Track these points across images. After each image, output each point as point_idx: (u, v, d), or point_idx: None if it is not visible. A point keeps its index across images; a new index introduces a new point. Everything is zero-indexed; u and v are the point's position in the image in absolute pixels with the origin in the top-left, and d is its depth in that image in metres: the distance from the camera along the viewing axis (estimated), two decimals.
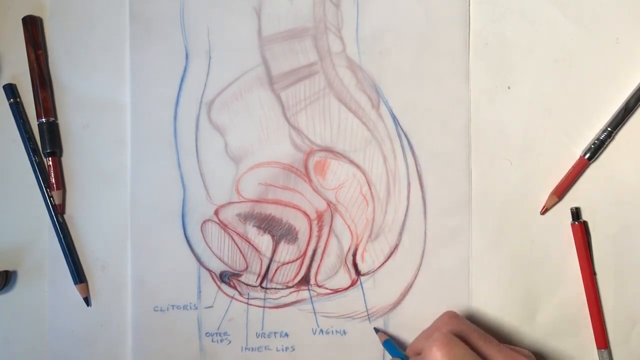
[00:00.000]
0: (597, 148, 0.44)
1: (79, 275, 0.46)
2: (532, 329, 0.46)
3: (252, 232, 0.46)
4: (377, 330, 0.46)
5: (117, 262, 0.47)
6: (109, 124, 0.47)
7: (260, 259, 0.46)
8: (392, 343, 0.44)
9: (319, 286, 0.46)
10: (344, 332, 0.46)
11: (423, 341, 0.41)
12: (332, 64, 0.46)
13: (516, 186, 0.46)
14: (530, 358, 0.41)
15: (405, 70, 0.46)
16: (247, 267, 0.46)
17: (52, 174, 0.46)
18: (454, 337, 0.38)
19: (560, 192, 0.45)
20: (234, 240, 0.46)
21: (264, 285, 0.46)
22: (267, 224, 0.46)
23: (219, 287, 0.46)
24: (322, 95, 0.46)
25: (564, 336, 0.46)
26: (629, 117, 0.45)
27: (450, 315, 0.42)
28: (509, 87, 0.46)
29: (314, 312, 0.46)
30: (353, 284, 0.46)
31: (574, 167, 0.45)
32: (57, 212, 0.46)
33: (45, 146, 0.46)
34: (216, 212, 0.46)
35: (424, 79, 0.46)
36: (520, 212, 0.46)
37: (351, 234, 0.46)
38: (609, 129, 0.44)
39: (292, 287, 0.46)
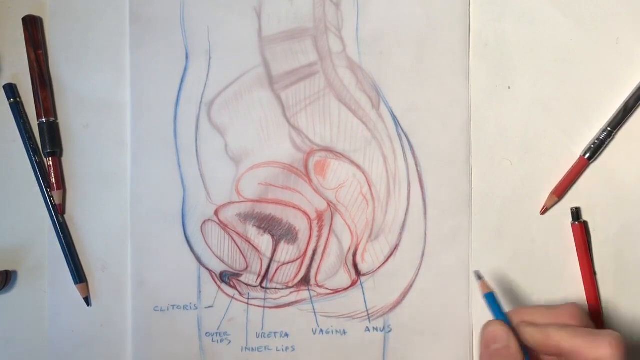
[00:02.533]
0: (597, 148, 0.44)
1: (79, 275, 0.46)
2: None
3: (252, 232, 0.46)
4: (478, 277, 0.40)
5: (117, 262, 0.47)
6: (109, 124, 0.47)
7: (260, 259, 0.46)
8: (495, 299, 0.39)
9: (319, 286, 0.46)
10: (344, 332, 0.46)
11: (549, 317, 0.38)
12: (332, 64, 0.46)
13: (516, 186, 0.46)
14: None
15: (405, 70, 0.46)
16: (247, 267, 0.46)
17: (52, 174, 0.46)
18: (624, 347, 0.35)
19: (560, 192, 0.45)
20: (234, 240, 0.46)
21: (264, 285, 0.46)
22: (267, 224, 0.46)
23: (219, 287, 0.46)
24: (322, 95, 0.46)
25: None
26: (628, 117, 0.45)
27: (580, 309, 0.38)
28: (509, 87, 0.46)
29: (314, 312, 0.46)
30: (353, 284, 0.46)
31: (573, 167, 0.45)
32: (57, 212, 0.46)
33: (46, 146, 0.46)
34: (216, 212, 0.46)
35: (424, 79, 0.46)
36: (520, 212, 0.46)
37: (351, 234, 0.46)
38: (608, 128, 0.44)
39: (292, 287, 0.46)
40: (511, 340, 0.36)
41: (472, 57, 0.46)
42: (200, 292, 0.46)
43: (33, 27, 0.47)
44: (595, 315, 0.45)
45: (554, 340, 0.36)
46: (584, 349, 0.35)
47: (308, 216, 0.46)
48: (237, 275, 0.46)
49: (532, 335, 0.36)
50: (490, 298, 0.39)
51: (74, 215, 0.47)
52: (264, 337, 0.46)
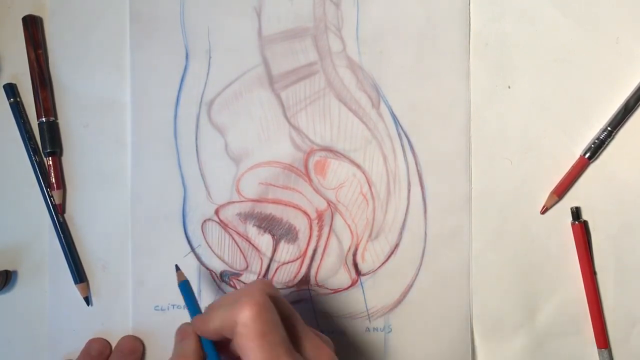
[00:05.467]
0: (597, 148, 0.44)
1: (79, 274, 0.46)
2: (532, 329, 0.46)
3: (252, 231, 0.46)
4: (177, 268, 0.42)
5: (117, 261, 0.47)
6: (109, 124, 0.47)
7: (261, 258, 0.46)
8: (189, 289, 0.40)
9: (319, 286, 0.46)
10: (344, 332, 0.46)
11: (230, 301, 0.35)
12: (332, 64, 0.46)
13: (516, 186, 0.46)
14: (329, 345, 0.38)
15: (405, 70, 0.46)
16: (247, 267, 0.46)
17: (52, 174, 0.46)
18: (269, 301, 0.33)
19: (560, 191, 0.45)
20: (235, 240, 0.46)
21: None
22: (268, 224, 0.46)
23: (219, 287, 0.46)
24: (322, 95, 0.46)
25: (564, 336, 0.46)
26: (629, 117, 0.45)
27: (266, 282, 0.37)
28: (509, 87, 0.46)
29: (314, 312, 0.46)
30: (353, 283, 0.46)
31: (574, 167, 0.45)
32: (57, 212, 0.46)
33: (46, 146, 0.46)
34: (217, 212, 0.46)
35: (424, 78, 0.46)
36: (520, 212, 0.46)
37: (351, 233, 0.46)
38: (609, 128, 0.44)
39: (292, 287, 0.46)
40: (190, 338, 0.36)
41: (472, 57, 0.46)
42: (200, 291, 0.46)
43: (33, 27, 0.47)
44: (595, 315, 0.45)
45: (211, 325, 0.34)
46: (229, 319, 0.33)
47: (308, 216, 0.46)
48: (237, 274, 0.46)
49: (199, 326, 0.35)
50: (184, 287, 0.40)
51: (74, 215, 0.47)
52: None
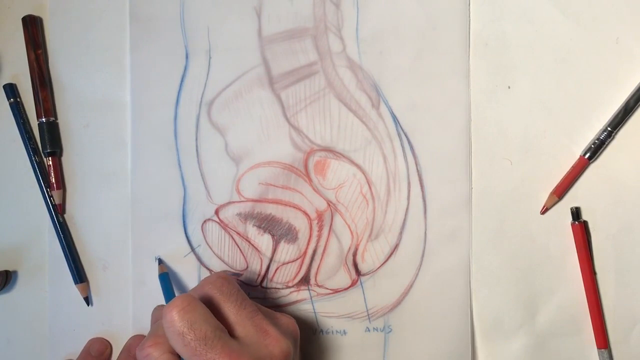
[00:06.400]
0: (597, 148, 0.44)
1: (79, 275, 0.46)
2: (532, 329, 0.46)
3: (252, 231, 0.46)
4: (160, 261, 0.46)
5: (117, 261, 0.47)
6: (109, 124, 0.47)
7: (261, 258, 0.46)
8: (168, 281, 0.43)
9: (319, 286, 0.46)
10: (344, 332, 0.46)
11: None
12: (332, 64, 0.46)
13: (516, 186, 0.46)
14: (288, 328, 0.40)
15: (405, 70, 0.46)
16: (247, 267, 0.46)
17: (52, 174, 0.46)
18: (195, 301, 0.36)
19: (560, 191, 0.45)
20: (235, 240, 0.46)
21: (264, 285, 0.46)
22: (267, 224, 0.46)
23: None
24: (322, 95, 0.46)
25: (564, 336, 0.46)
26: (629, 117, 0.45)
27: (219, 276, 0.39)
28: (509, 87, 0.46)
29: (314, 312, 0.46)
30: (353, 284, 0.46)
31: (574, 167, 0.45)
32: (58, 212, 0.46)
33: (45, 146, 0.46)
34: (217, 212, 0.46)
35: (424, 79, 0.46)
36: (520, 212, 0.46)
37: (351, 233, 0.46)
38: (609, 128, 0.44)
39: (292, 287, 0.46)
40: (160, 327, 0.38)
41: (472, 57, 0.46)
42: None
43: (33, 27, 0.47)
44: (595, 316, 0.45)
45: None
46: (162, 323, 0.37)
47: (308, 216, 0.46)
48: (237, 275, 0.46)
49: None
50: (163, 279, 0.43)
51: (74, 215, 0.47)
52: None
